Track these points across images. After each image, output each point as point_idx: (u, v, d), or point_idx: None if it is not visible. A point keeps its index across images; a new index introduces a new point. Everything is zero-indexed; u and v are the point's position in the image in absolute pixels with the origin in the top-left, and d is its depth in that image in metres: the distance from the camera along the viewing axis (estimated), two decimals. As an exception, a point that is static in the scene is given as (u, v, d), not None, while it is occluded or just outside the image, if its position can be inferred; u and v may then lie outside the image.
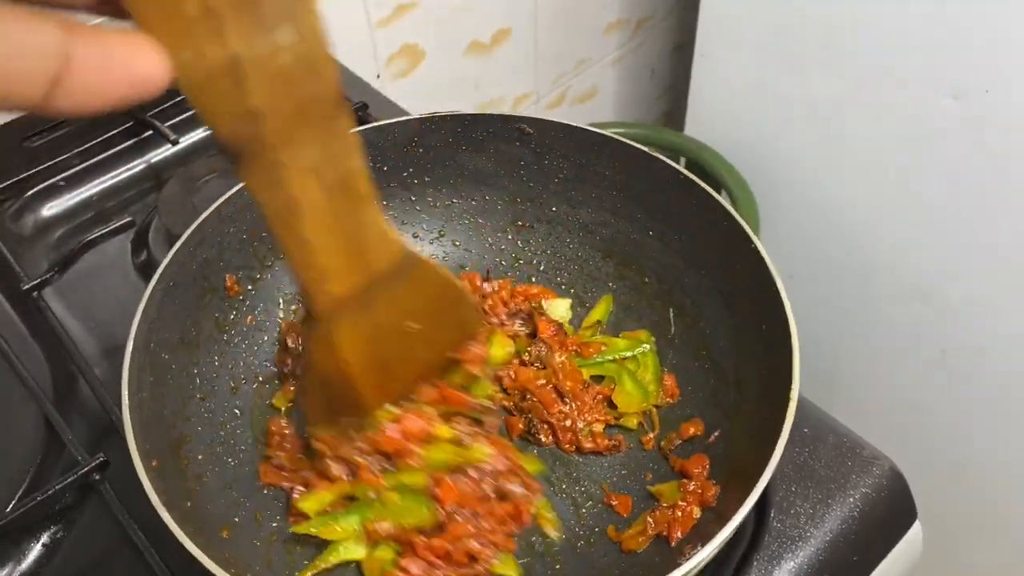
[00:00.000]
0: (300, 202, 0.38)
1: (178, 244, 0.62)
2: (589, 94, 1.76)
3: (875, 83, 1.26)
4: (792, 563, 0.62)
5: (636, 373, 0.67)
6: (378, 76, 1.36)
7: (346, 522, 0.55)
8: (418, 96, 1.44)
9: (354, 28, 1.26)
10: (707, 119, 1.59)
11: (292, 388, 0.66)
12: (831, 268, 1.47)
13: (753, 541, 0.63)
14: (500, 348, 0.67)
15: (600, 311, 0.72)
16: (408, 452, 0.54)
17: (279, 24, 0.32)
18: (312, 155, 0.37)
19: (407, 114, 0.99)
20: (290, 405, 0.66)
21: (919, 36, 1.13)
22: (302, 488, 0.58)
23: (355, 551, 0.55)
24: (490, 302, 0.70)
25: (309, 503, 0.57)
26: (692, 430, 0.64)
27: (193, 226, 0.63)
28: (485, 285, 0.72)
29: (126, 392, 0.53)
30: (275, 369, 0.69)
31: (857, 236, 1.42)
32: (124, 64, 0.27)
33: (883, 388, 1.49)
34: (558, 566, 0.59)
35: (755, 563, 0.62)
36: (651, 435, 0.65)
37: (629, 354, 0.67)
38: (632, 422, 0.66)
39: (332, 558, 0.55)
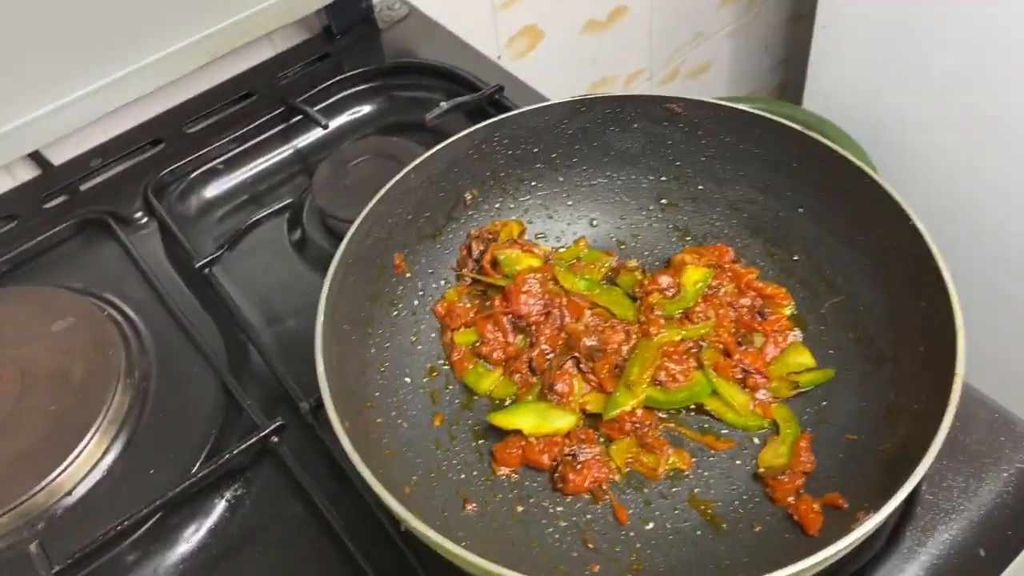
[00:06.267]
0: None
1: (355, 224, 0.66)
2: (703, 68, 1.76)
3: (1004, 56, 1.22)
4: (946, 535, 0.62)
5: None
6: (499, 57, 1.39)
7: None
8: (535, 76, 1.46)
9: (477, 12, 1.29)
10: (827, 92, 1.56)
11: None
12: (955, 246, 1.43)
13: (905, 513, 0.64)
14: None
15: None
16: None
17: None
18: None
19: (541, 95, 1.02)
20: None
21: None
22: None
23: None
24: (725, 284, 0.72)
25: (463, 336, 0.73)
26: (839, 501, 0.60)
27: (368, 207, 0.67)
28: (737, 265, 0.74)
29: (320, 360, 0.58)
30: (436, 337, 0.73)
31: (983, 215, 1.38)
32: None
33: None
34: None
35: (908, 533, 0.63)
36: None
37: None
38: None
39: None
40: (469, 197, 0.76)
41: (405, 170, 0.69)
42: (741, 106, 0.69)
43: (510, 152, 0.76)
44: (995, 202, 1.35)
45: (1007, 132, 1.27)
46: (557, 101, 0.74)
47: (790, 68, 1.96)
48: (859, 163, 0.64)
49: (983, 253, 1.41)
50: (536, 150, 0.76)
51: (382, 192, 0.68)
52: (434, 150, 0.71)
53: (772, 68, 1.94)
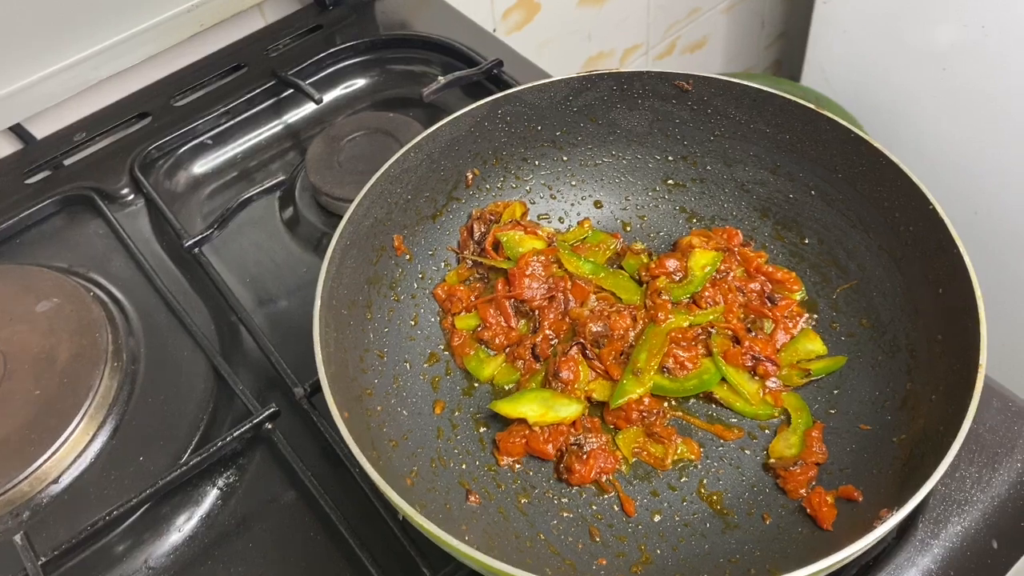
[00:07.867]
0: None
1: (353, 204, 0.63)
2: (699, 43, 1.73)
3: (1007, 33, 1.20)
4: (959, 526, 0.61)
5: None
6: (494, 30, 1.35)
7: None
8: (530, 50, 1.43)
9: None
10: (826, 69, 1.54)
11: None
12: (956, 225, 1.42)
13: (918, 505, 0.62)
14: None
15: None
16: None
17: None
18: None
19: (541, 70, 0.99)
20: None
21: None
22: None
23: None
24: (734, 268, 0.70)
25: (463, 321, 0.70)
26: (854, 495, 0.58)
27: (367, 187, 0.64)
28: (746, 248, 0.72)
29: (319, 347, 0.56)
30: (437, 321, 0.71)
31: (984, 194, 1.37)
32: None
33: None
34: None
35: (920, 525, 0.62)
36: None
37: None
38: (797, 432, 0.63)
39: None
40: (470, 176, 0.73)
41: (405, 148, 0.67)
42: (754, 84, 0.67)
43: (513, 130, 0.73)
44: (996, 182, 1.34)
45: (1010, 111, 1.25)
46: (562, 77, 0.71)
47: (786, 45, 1.93)
48: (876, 144, 0.62)
49: (984, 234, 1.40)
50: (539, 128, 0.74)
51: (381, 171, 0.65)
52: (435, 127, 0.68)
53: (768, 44, 1.91)
